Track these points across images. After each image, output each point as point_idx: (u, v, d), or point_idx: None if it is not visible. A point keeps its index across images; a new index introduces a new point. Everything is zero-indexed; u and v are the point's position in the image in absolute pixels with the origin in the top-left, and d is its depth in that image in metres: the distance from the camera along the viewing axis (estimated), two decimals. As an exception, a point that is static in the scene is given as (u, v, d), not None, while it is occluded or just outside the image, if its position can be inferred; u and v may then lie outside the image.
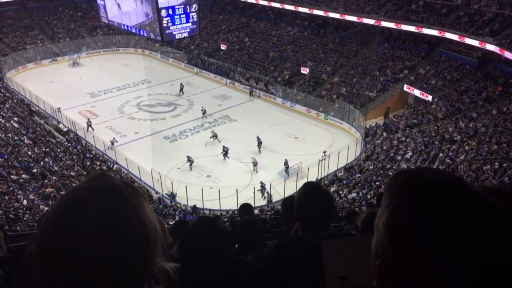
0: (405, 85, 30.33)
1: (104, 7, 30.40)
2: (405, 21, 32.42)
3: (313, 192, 2.01)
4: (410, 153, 23.30)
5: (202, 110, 30.43)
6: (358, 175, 22.85)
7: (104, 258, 0.77)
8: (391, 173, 20.70)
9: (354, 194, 20.38)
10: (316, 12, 37.91)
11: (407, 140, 25.09)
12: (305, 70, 35.16)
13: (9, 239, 3.75)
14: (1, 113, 29.61)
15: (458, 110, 26.29)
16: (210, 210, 20.11)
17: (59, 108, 30.50)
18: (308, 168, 22.35)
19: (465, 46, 29.39)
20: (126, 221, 0.81)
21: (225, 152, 24.75)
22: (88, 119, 29.26)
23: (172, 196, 21.72)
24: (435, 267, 0.69)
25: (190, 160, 23.96)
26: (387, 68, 32.82)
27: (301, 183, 20.45)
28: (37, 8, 47.02)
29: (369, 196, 19.35)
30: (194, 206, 20.60)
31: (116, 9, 29.12)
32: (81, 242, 0.76)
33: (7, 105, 31.35)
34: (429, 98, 28.40)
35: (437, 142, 23.70)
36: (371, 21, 33.76)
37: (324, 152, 23.83)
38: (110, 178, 0.86)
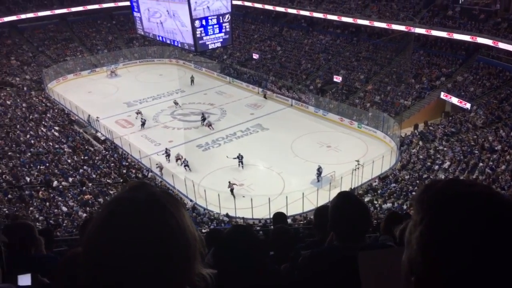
0: (442, 93, 29.57)
1: (140, 19, 31.26)
2: (441, 27, 31.73)
3: (348, 202, 1.98)
4: (448, 163, 22.62)
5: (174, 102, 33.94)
6: (393, 185, 22.37)
7: (145, 266, 0.79)
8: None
9: (389, 205, 19.95)
10: (345, 19, 37.76)
11: (445, 149, 24.40)
12: (337, 79, 34.89)
13: (53, 244, 3.87)
14: (43, 122, 30.81)
15: (499, 118, 25.37)
16: (243, 218, 20.15)
17: (98, 118, 31.47)
18: (341, 178, 22.07)
19: (505, 52, 28.43)
20: (167, 230, 0.83)
21: (240, 160, 24.87)
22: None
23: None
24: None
25: (239, 158, 24.74)
26: (423, 76, 32.13)
27: (334, 192, 20.21)
28: (77, 21, 48.83)
29: (405, 207, 18.90)
30: (227, 214, 20.72)
31: (150, 20, 29.88)
32: (123, 251, 0.79)
33: (48, 115, 32.60)
34: (468, 106, 27.56)
35: (476, 152, 22.92)
36: (402, 28, 33.30)
37: (358, 161, 23.47)
38: (150, 188, 0.88)
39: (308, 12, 40.69)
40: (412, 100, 30.72)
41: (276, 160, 25.54)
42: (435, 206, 0.76)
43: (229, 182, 22.52)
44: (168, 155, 26.10)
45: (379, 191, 22.21)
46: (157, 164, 25.22)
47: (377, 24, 35.47)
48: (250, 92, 37.19)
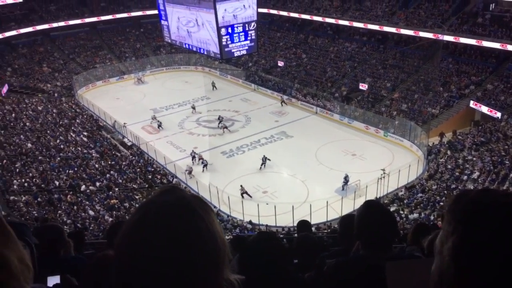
0: (472, 101, 28.90)
1: (168, 27, 31.81)
2: (470, 34, 31.11)
3: (374, 211, 1.95)
4: (477, 173, 22.03)
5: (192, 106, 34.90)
6: (420, 194, 21.93)
7: (176, 270, 0.80)
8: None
9: (415, 215, 19.56)
10: (371, 27, 37.51)
11: (474, 159, 23.78)
12: (363, 86, 34.57)
13: (83, 246, 3.94)
14: (72, 128, 31.60)
15: (531, 127, 24.62)
16: (266, 225, 20.11)
17: (125, 124, 32.08)
18: (367, 186, 21.78)
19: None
20: (197, 233, 0.84)
21: (264, 161, 25.60)
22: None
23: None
24: None
25: (262, 159, 25.45)
26: (451, 84, 31.51)
27: (359, 201, 20.02)
28: (107, 30, 50.05)
29: (432, 217, 18.49)
30: (250, 221, 20.72)
31: (178, 29, 30.37)
32: (154, 253, 0.80)
33: (77, 120, 33.43)
34: (498, 115, 26.84)
35: (507, 162, 22.25)
36: (429, 35, 32.82)
37: (383, 170, 23.14)
38: (181, 192, 0.90)
39: (334, 20, 40.61)
40: (440, 109, 30.14)
41: (300, 168, 25.43)
42: (468, 216, 0.74)
43: (241, 185, 22.88)
44: (194, 157, 26.54)
45: (405, 201, 21.81)
46: (186, 168, 25.58)
47: (404, 31, 35.10)
48: (275, 100, 37.23)
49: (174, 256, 0.81)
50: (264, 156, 25.91)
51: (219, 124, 31.79)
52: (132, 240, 0.84)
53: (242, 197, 22.55)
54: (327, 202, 20.56)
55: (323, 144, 28.31)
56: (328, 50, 41.39)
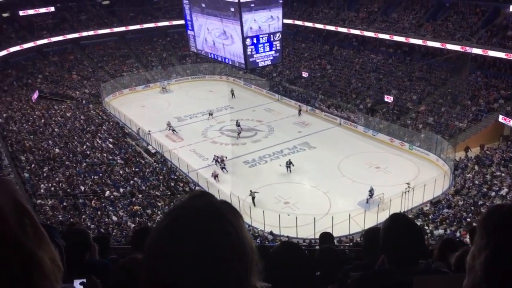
0: (501, 116, 28.19)
1: (194, 37, 32.26)
2: (500, 48, 30.46)
3: (401, 224, 1.92)
4: (506, 190, 21.40)
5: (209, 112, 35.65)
6: (446, 210, 21.43)
7: (204, 274, 0.81)
8: (484, 210, 19.13)
9: (441, 231, 19.10)
10: (397, 38, 37.20)
11: (503, 175, 23.12)
12: (389, 98, 34.18)
13: (108, 251, 3.99)
14: (99, 134, 32.25)
15: None
16: (287, 236, 19.97)
17: (149, 131, 32.56)
18: (391, 200, 21.41)
19: None
20: (225, 238, 0.84)
21: (288, 165, 26.07)
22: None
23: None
24: None
25: (287, 163, 26.00)
26: (480, 98, 30.83)
27: (382, 215, 19.69)
28: (134, 39, 51.13)
29: (458, 234, 18.02)
30: (271, 232, 20.62)
31: (204, 38, 30.77)
32: (183, 258, 0.81)
33: (104, 127, 34.11)
34: (528, 130, 26.11)
35: (537, 179, 21.58)
36: (457, 48, 32.30)
37: (408, 184, 22.73)
38: (211, 197, 0.91)
39: (359, 31, 40.43)
40: (468, 123, 29.50)
41: (323, 179, 25.24)
42: (501, 230, 0.73)
43: (251, 190, 22.96)
44: (217, 161, 27.23)
45: (430, 216, 21.34)
46: (212, 173, 26.18)
47: (431, 43, 34.65)
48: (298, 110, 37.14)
49: (203, 259, 0.82)
50: (288, 160, 26.44)
51: (237, 127, 32.77)
52: (162, 243, 0.85)
53: (253, 201, 22.78)
54: (349, 215, 20.31)
55: (346, 156, 28.05)
56: (353, 61, 41.18)
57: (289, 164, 26.21)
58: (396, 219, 1.96)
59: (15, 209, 0.86)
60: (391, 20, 39.55)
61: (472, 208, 20.48)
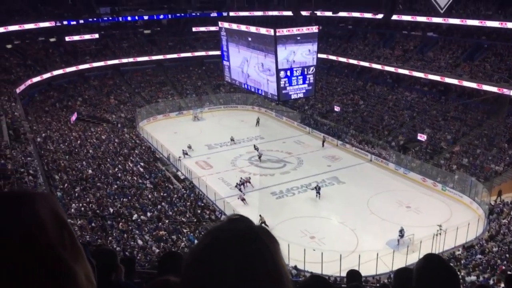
0: (540, 161, 27.16)
1: (229, 67, 32.98)
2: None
3: (437, 266, 1.84)
4: (545, 238, 20.36)
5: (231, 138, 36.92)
6: (479, 256, 20.48)
7: None
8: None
9: (473, 277, 18.22)
10: (432, 77, 36.84)
11: (541, 222, 22.06)
12: (422, 137, 33.57)
13: (134, 274, 4.00)
14: (131, 158, 32.90)
15: None
16: (312, 272, 19.49)
17: (180, 158, 33.00)
18: (421, 242, 20.67)
19: None
20: (263, 266, 0.84)
21: (318, 191, 26.80)
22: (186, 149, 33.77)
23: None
24: None
25: (316, 189, 26.93)
26: (517, 141, 29.88)
27: (411, 257, 19.04)
28: (171, 67, 52.70)
29: (491, 281, 17.14)
30: (295, 266, 20.18)
31: (239, 69, 31.38)
32: (220, 280, 0.81)
33: (136, 151, 34.81)
34: None
35: None
36: (494, 89, 31.65)
37: (440, 226, 21.96)
38: (250, 222, 0.91)
39: (393, 68, 40.34)
40: (505, 166, 28.50)
41: (351, 216, 24.73)
42: None
43: (260, 215, 22.81)
44: (242, 183, 28.34)
45: (462, 261, 20.43)
46: (239, 197, 26.77)
47: (467, 83, 34.11)
48: (328, 144, 36.95)
49: (239, 283, 0.81)
50: (317, 185, 27.26)
51: (256, 150, 34.06)
52: (200, 263, 0.85)
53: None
54: (377, 254, 19.70)
55: (376, 193, 27.49)
56: (386, 98, 40.92)
57: (318, 190, 26.93)
58: (431, 260, 1.88)
59: (56, 222, 0.88)
60: (427, 58, 39.31)
61: (507, 255, 19.50)
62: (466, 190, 26.88)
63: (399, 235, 21.81)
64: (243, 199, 26.63)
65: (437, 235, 21.07)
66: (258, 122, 42.29)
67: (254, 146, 34.87)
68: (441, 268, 1.84)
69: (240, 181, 28.48)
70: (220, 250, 0.85)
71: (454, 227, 21.84)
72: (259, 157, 33.50)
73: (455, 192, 27.32)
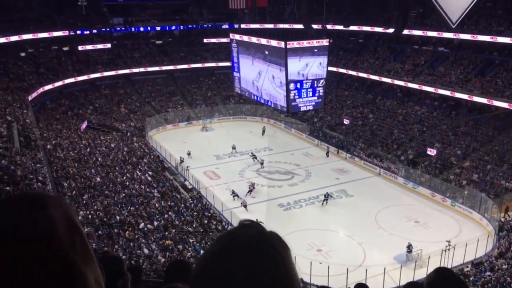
0: (552, 178, 26.81)
1: (239, 78, 33.19)
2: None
3: (448, 280, 1.81)
4: (557, 257, 19.99)
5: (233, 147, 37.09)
6: (488, 273, 20.16)
7: None
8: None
9: (482, 295, 17.92)
10: (442, 91, 36.73)
11: (553, 241, 21.69)
12: (431, 152, 33.35)
13: (140, 283, 3.98)
14: (139, 167, 33.04)
15: None
16: (317, 286, 19.30)
17: (188, 167, 33.07)
18: (429, 257, 20.42)
19: None
20: (275, 271, 0.83)
21: (326, 198, 27.46)
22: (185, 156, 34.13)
23: None
24: None
25: (325, 196, 27.67)
26: (529, 157, 29.55)
27: (419, 272, 18.80)
28: (182, 77, 53.11)
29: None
30: (301, 279, 20.00)
31: (249, 81, 31.55)
32: (231, 284, 0.80)
33: (145, 160, 34.97)
34: None
35: None
36: (505, 105, 31.48)
37: (449, 241, 21.69)
38: (261, 227, 0.91)
39: (403, 82, 40.28)
40: (516, 183, 28.18)
41: (358, 229, 24.53)
42: None
43: (256, 219, 22.44)
44: (250, 190, 29.18)
45: (471, 278, 20.10)
46: (242, 202, 27.18)
47: (477, 99, 33.92)
48: (337, 157, 36.84)
49: (250, 286, 0.80)
50: (327, 193, 27.94)
51: (253, 158, 34.71)
52: (211, 267, 0.85)
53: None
54: (384, 269, 19.49)
55: (384, 207, 27.27)
56: (396, 112, 40.80)
57: (327, 196, 27.62)
58: (442, 273, 1.85)
59: (68, 226, 0.89)
60: (437, 73, 39.20)
61: (518, 274, 19.17)
62: (476, 206, 26.57)
63: (407, 251, 21.56)
64: (245, 206, 27.03)
65: (445, 251, 20.81)
66: (264, 131, 42.70)
67: (251, 153, 35.31)
68: (453, 282, 1.81)
69: (249, 188, 29.28)
70: (231, 256, 0.85)
71: (463, 243, 21.57)
72: (262, 164, 34.14)
73: (465, 207, 27.02)
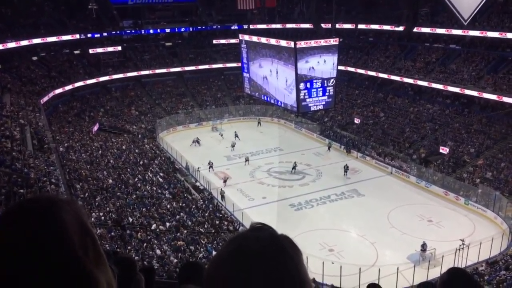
0: None
1: (249, 79, 33.21)
2: None
3: (462, 280, 1.79)
4: None
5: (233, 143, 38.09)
6: (503, 272, 19.88)
7: None
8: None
9: (498, 295, 17.69)
10: (452, 89, 36.38)
11: None
12: (444, 150, 33.02)
13: (153, 285, 3.98)
14: (150, 168, 33.22)
15: None
16: (331, 286, 19.23)
17: (199, 168, 33.17)
18: (443, 257, 20.21)
19: None
20: (287, 274, 0.83)
21: (346, 169, 28.39)
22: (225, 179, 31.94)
23: None
24: None
25: (345, 168, 29.10)
26: (544, 154, 29.11)
27: (433, 272, 18.62)
28: (192, 79, 53.29)
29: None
30: (314, 279, 19.93)
31: (258, 81, 31.54)
32: (244, 285, 0.80)
33: (156, 161, 35.15)
34: None
35: None
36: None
37: (463, 240, 21.46)
38: (273, 230, 0.91)
39: (412, 80, 39.94)
40: (530, 180, 27.78)
41: (370, 229, 24.37)
42: None
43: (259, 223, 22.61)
44: (211, 166, 32.28)
45: (486, 277, 19.85)
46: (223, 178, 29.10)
47: (489, 96, 33.52)
48: (348, 156, 36.64)
49: None
50: (346, 165, 30.43)
51: (246, 162, 34.85)
52: (224, 270, 0.85)
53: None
54: (397, 268, 19.31)
55: (396, 207, 27.06)
56: (407, 110, 40.47)
57: (346, 169, 30.45)
58: (456, 274, 1.83)
59: (80, 229, 0.90)
60: (449, 71, 38.81)
61: (535, 273, 18.89)
62: (490, 204, 26.24)
63: (421, 249, 21.37)
64: (225, 181, 30.39)
65: (459, 250, 20.58)
66: (259, 123, 44.11)
67: (246, 159, 35.21)
68: (466, 282, 1.79)
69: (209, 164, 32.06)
70: (245, 260, 0.85)
71: (477, 242, 21.32)
72: (246, 160, 34.82)
73: (479, 206, 26.70)
